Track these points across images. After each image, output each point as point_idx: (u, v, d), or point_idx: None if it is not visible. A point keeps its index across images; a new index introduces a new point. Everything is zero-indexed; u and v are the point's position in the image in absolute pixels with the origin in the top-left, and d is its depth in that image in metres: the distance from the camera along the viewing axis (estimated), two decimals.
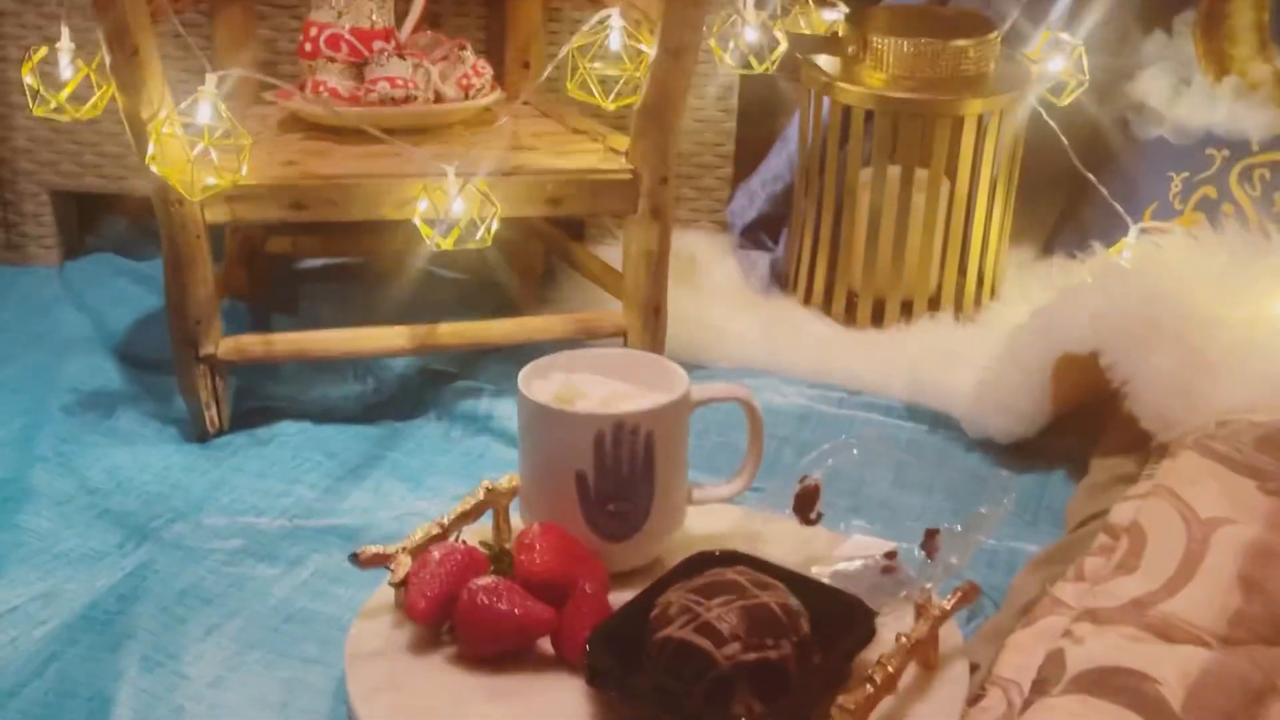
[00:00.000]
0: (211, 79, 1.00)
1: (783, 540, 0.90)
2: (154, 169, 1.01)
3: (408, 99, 1.16)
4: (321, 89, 1.17)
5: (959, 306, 1.36)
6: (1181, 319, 1.04)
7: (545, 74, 1.13)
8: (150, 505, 1.02)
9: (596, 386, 0.91)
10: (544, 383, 0.90)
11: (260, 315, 1.34)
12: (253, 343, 1.14)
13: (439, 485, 1.08)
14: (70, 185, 1.42)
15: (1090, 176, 1.34)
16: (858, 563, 0.90)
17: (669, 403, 0.87)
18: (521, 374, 0.89)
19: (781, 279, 1.45)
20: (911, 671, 0.78)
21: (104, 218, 1.49)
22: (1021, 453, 1.11)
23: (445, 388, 1.23)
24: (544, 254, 1.42)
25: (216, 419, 1.14)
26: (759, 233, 1.49)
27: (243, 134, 1.00)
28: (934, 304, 1.36)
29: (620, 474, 0.85)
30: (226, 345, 1.13)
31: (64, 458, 1.08)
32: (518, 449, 0.90)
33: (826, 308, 1.39)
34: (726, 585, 0.76)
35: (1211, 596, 0.78)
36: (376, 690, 0.78)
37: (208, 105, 0.99)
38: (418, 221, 1.05)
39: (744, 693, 0.72)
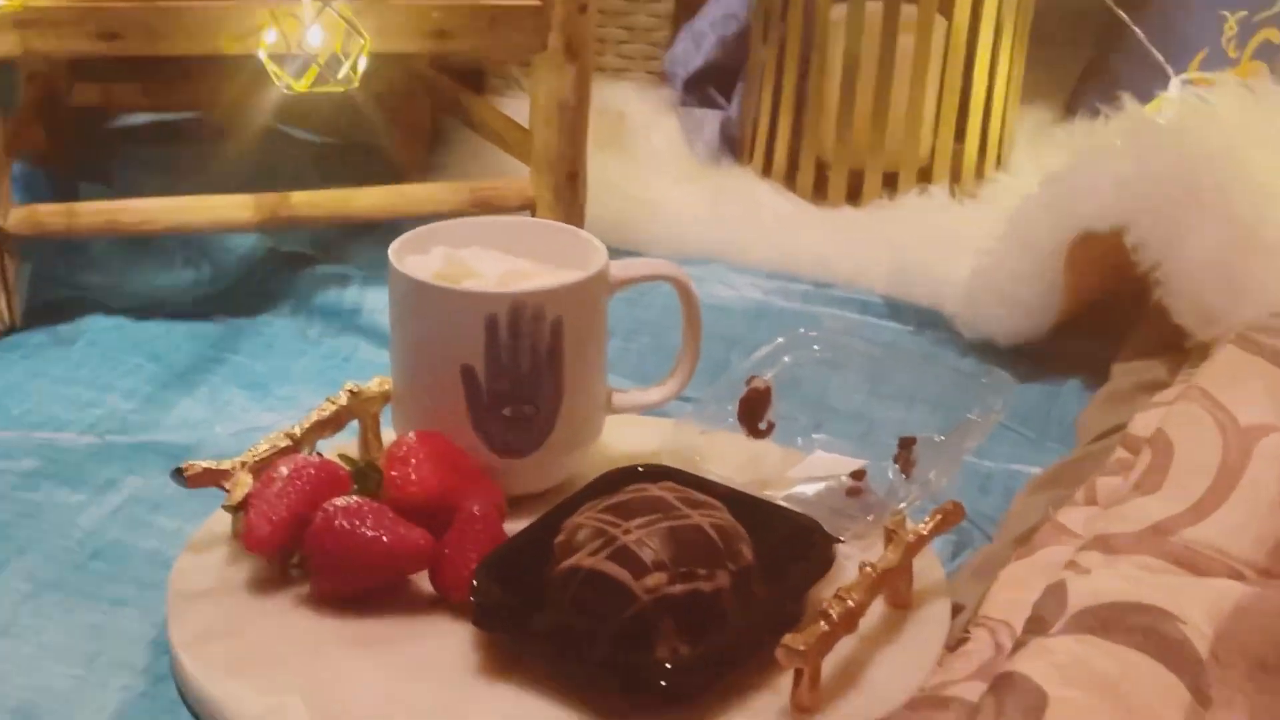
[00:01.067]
0: None
1: (725, 457, 0.91)
2: None
3: None
4: None
5: (956, 179, 1.37)
6: (1229, 189, 1.05)
7: None
8: None
9: (490, 263, 0.91)
10: (423, 258, 0.90)
11: (65, 185, 1.33)
12: (51, 214, 1.13)
13: (292, 395, 1.08)
14: None
15: (1123, 16, 1.35)
16: (818, 485, 0.91)
17: (581, 280, 0.87)
18: (394, 245, 0.89)
19: (734, 144, 1.45)
20: (880, 612, 0.79)
21: None
22: (1027, 357, 1.13)
23: (302, 274, 1.23)
24: (431, 108, 1.41)
25: (5, 312, 1.13)
26: (706, 86, 1.49)
27: None
28: (924, 176, 1.37)
29: (519, 370, 0.85)
30: (18, 216, 1.12)
31: None
32: (389, 342, 0.90)
33: (790, 180, 1.40)
34: (650, 503, 0.77)
35: (1249, 521, 0.79)
36: (206, 637, 0.78)
37: None
38: (264, 57, 1.03)
39: (668, 632, 0.73)
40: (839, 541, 0.82)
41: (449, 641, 0.78)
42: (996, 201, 1.30)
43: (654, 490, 0.79)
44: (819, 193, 1.38)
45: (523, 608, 0.76)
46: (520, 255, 0.92)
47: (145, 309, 1.17)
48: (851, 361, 1.03)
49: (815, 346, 1.00)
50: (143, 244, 1.23)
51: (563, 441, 0.89)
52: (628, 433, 0.95)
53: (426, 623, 0.79)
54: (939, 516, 0.82)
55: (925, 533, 0.81)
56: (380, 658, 0.77)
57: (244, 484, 0.84)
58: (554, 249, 0.92)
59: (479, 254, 0.91)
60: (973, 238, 1.20)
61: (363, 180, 1.23)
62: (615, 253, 0.92)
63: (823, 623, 0.72)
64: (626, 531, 0.75)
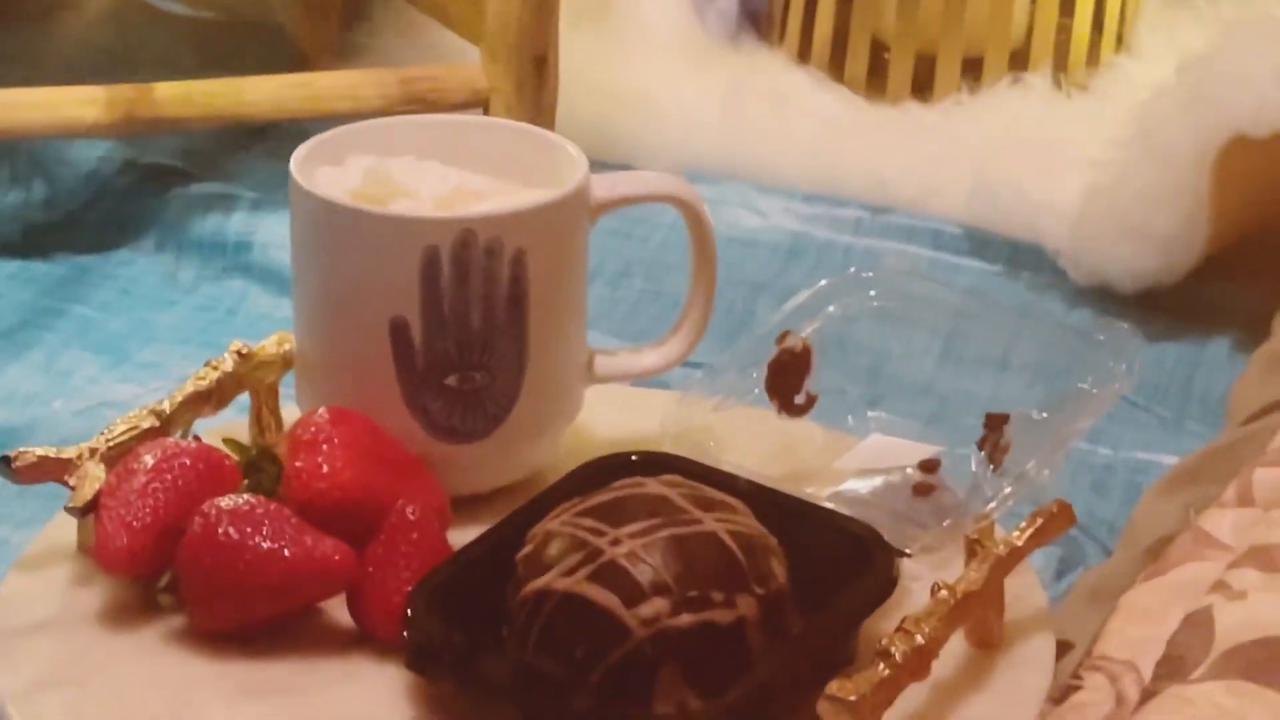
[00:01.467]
0: None
1: (749, 443, 0.91)
2: None
3: None
4: None
5: (1061, 65, 1.36)
6: None
7: None
8: None
9: (429, 178, 0.90)
10: (336, 171, 0.90)
11: None
12: None
13: (159, 360, 1.09)
14: None
15: None
16: (875, 479, 0.91)
17: (551, 202, 0.87)
18: (297, 155, 0.88)
19: (759, 17, 1.45)
20: (960, 651, 0.79)
21: None
22: (1160, 308, 1.14)
23: (170, 196, 1.24)
24: None
25: None
26: None
27: None
28: (1018, 62, 1.37)
29: (467, 324, 0.85)
30: None
31: None
32: (291, 287, 0.90)
33: (835, 67, 1.40)
34: (647, 504, 0.76)
35: None
36: (43, 685, 0.78)
37: None
38: None
39: (672, 679, 0.72)
40: (904, 555, 0.82)
41: (373, 691, 0.77)
42: (1116, 96, 1.30)
43: (652, 487, 0.78)
44: (875, 84, 1.38)
45: (473, 647, 0.75)
46: (469, 169, 0.91)
47: None
48: (920, 314, 1.02)
49: (870, 293, 0.99)
50: None
51: (527, 421, 0.89)
52: (616, 409, 0.94)
53: (343, 666, 0.79)
54: (1039, 522, 0.82)
55: (1021, 544, 0.81)
56: (278, 713, 0.77)
57: (94, 479, 0.83)
58: (515, 160, 0.92)
59: (413, 166, 0.91)
60: (1084, 146, 1.20)
61: (253, 68, 1.23)
62: (598, 166, 0.91)
63: (882, 665, 0.72)
64: (615, 542, 0.74)
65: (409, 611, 0.76)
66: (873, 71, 1.39)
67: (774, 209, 1.26)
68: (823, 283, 0.99)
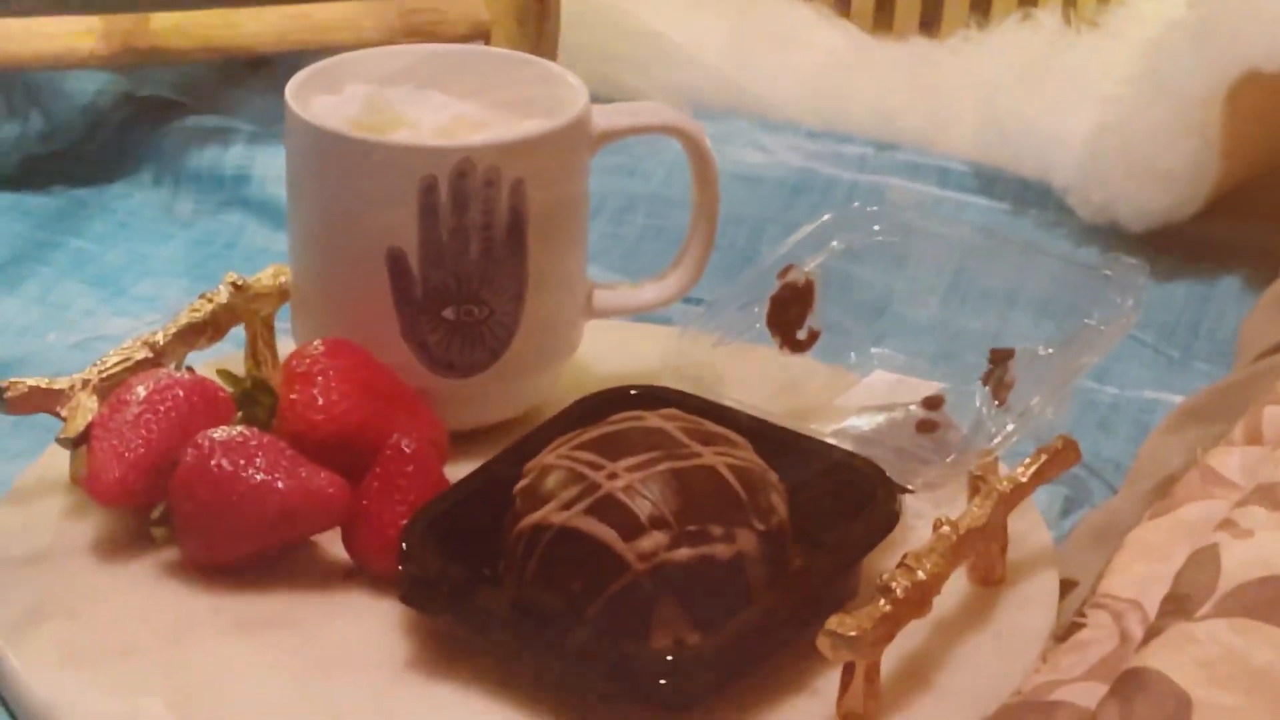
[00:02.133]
0: None
1: (750, 379, 0.90)
2: None
3: None
4: None
5: (1071, 1, 1.36)
6: None
7: None
8: None
9: (428, 107, 0.90)
10: (334, 101, 0.89)
11: None
12: None
13: (155, 293, 1.08)
14: None
15: None
16: (878, 416, 0.91)
17: (552, 131, 0.86)
18: (293, 84, 0.88)
19: None
20: (963, 588, 0.79)
21: None
22: (1169, 245, 1.13)
23: (169, 129, 1.23)
24: None
25: None
26: None
27: None
28: None
29: (466, 255, 0.85)
30: None
31: None
32: (287, 218, 0.90)
33: (842, 2, 1.39)
34: (646, 438, 0.76)
35: None
36: (35, 617, 0.78)
37: None
38: None
39: (670, 613, 0.72)
40: (906, 492, 0.81)
41: (368, 626, 0.77)
42: (1126, 32, 1.28)
43: (652, 420, 0.78)
44: (882, 20, 1.38)
45: (469, 581, 0.75)
46: (468, 98, 0.91)
47: None
48: (924, 249, 1.01)
49: (875, 228, 0.99)
50: None
51: (526, 355, 0.88)
52: (615, 344, 0.95)
53: (338, 600, 0.79)
54: (1044, 458, 0.81)
55: (1025, 480, 0.80)
56: (273, 647, 0.76)
57: (86, 410, 0.83)
58: (515, 90, 0.91)
59: (412, 95, 0.91)
60: (1094, 82, 1.19)
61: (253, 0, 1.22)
62: (600, 98, 0.91)
63: (883, 601, 0.72)
64: (613, 476, 0.74)
65: (404, 545, 0.76)
66: (880, 7, 1.38)
67: (778, 145, 1.25)
68: (826, 217, 0.98)
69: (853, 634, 0.70)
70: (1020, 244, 1.10)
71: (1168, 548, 0.79)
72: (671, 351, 0.91)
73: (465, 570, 0.75)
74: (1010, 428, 0.86)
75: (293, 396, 0.82)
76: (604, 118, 0.89)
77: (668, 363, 0.91)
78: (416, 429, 0.82)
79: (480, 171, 0.84)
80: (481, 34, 1.18)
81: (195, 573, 0.80)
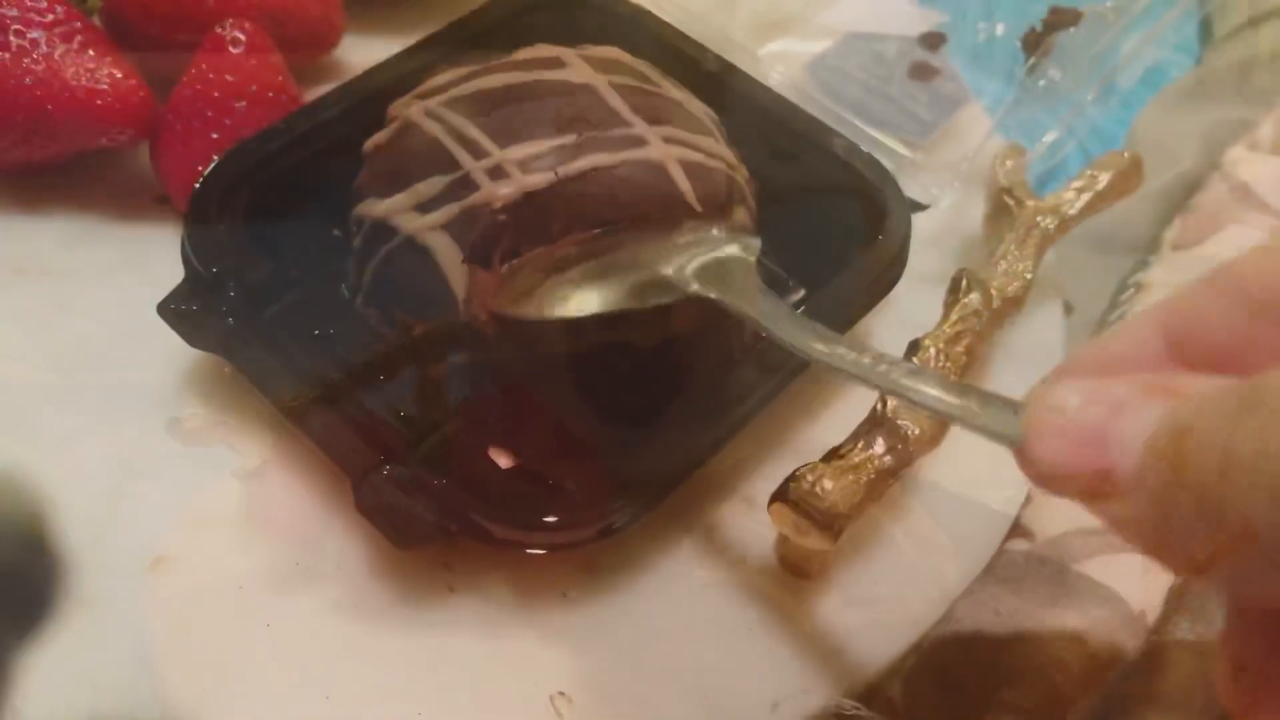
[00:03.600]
0: None
1: None
2: None
3: None
4: None
5: None
6: None
7: None
8: None
9: None
10: None
11: None
12: None
13: None
14: None
15: None
16: (866, 49, 0.75)
17: None
18: None
19: None
20: None
21: None
22: None
23: None
24: None
25: None
26: None
27: None
28: None
29: None
30: None
31: None
32: None
33: None
34: (563, 103, 0.55)
35: None
36: None
37: None
38: None
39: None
40: (920, 209, 0.64)
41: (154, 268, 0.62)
42: None
43: (579, 69, 0.57)
44: None
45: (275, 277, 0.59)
46: None
47: None
48: None
49: None
50: None
51: None
52: None
53: (123, 246, 0.66)
54: (1102, 179, 0.65)
55: (1074, 213, 0.63)
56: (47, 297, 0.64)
57: None
58: None
59: None
60: None
61: None
62: None
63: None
64: (498, 174, 0.54)
65: (188, 216, 0.59)
66: None
67: None
68: None
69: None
70: None
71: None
72: None
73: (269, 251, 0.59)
74: (1049, 96, 0.70)
75: None
76: None
77: None
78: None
79: None
80: None
81: None
